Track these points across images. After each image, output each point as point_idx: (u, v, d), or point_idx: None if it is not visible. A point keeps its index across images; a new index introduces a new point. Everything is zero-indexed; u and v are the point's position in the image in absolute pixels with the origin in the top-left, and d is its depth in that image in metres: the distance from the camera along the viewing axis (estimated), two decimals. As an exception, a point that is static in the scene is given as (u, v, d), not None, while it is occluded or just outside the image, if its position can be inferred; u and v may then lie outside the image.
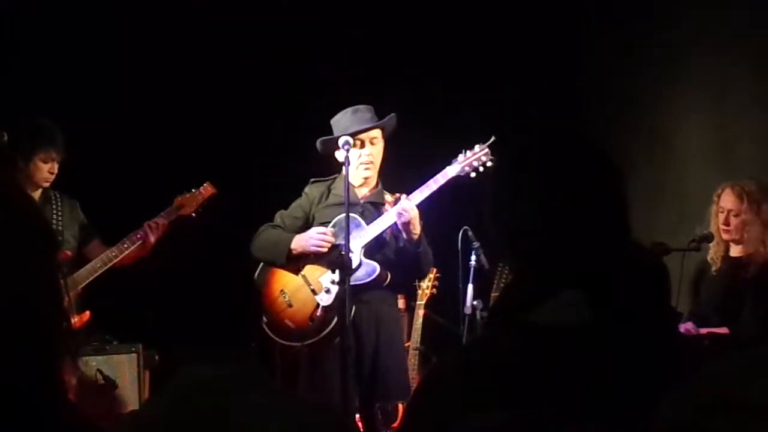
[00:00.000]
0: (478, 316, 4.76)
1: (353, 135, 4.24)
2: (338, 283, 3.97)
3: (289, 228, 4.37)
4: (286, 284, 4.31)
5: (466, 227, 4.72)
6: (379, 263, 4.22)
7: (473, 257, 4.80)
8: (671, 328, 1.48)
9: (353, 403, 4.00)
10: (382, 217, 4.26)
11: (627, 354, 1.31)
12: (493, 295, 4.90)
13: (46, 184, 4.54)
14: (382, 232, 4.26)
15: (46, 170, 4.48)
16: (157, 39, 5.57)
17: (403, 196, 4.25)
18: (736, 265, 4.54)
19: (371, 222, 4.26)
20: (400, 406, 4.38)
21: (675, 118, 5.69)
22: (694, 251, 4.54)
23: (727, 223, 4.49)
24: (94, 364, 4.34)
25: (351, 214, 4.10)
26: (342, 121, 4.32)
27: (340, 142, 4.19)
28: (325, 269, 4.25)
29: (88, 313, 4.45)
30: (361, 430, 4.23)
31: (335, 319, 4.08)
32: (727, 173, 4.94)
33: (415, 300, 5.33)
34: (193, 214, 4.74)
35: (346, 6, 5.97)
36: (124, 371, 4.43)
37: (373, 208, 4.34)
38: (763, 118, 5.07)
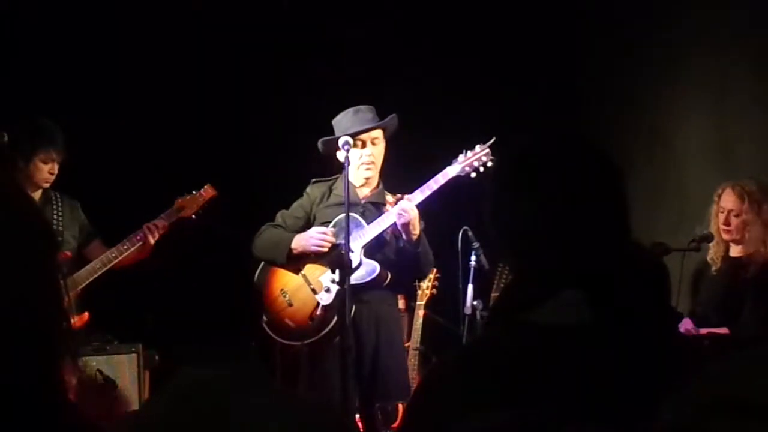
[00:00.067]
0: (478, 317, 4.76)
1: (354, 135, 4.24)
2: (338, 283, 3.97)
3: (291, 228, 4.37)
4: (286, 283, 4.32)
5: (466, 227, 4.72)
6: (379, 263, 4.23)
7: (473, 257, 4.80)
8: (671, 328, 1.48)
9: (353, 403, 4.00)
10: (383, 216, 4.26)
11: (627, 354, 1.31)
12: (493, 295, 4.90)
13: (47, 185, 4.54)
14: (383, 232, 4.26)
15: (47, 171, 4.48)
16: (157, 39, 5.57)
17: (406, 197, 4.25)
18: (736, 265, 4.54)
19: (372, 222, 4.26)
20: (400, 406, 4.38)
21: (675, 118, 5.69)
22: (694, 251, 4.54)
23: (727, 223, 4.49)
24: (94, 364, 4.34)
25: (351, 214, 4.10)
26: (343, 121, 4.33)
27: (340, 142, 4.20)
28: (325, 268, 4.25)
29: (87, 314, 4.45)
30: (361, 430, 4.23)
31: (335, 319, 4.09)
32: (727, 173, 4.94)
33: (415, 300, 5.33)
34: (193, 216, 4.74)
35: (346, 6, 5.97)
36: (124, 371, 4.43)
37: (374, 208, 4.34)
38: (763, 118, 5.06)
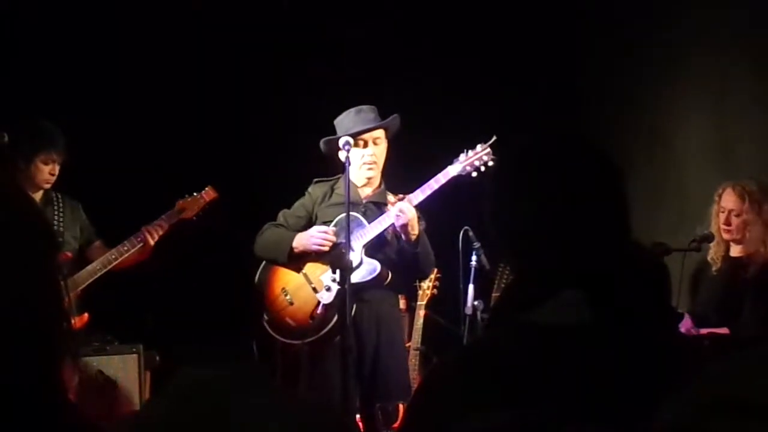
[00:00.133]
0: (478, 317, 4.76)
1: (356, 135, 4.25)
2: (339, 282, 3.98)
3: (292, 227, 4.38)
4: (287, 282, 4.32)
5: (466, 227, 4.71)
6: (380, 262, 4.23)
7: (474, 257, 4.79)
8: (671, 328, 1.48)
9: (354, 403, 4.00)
10: (383, 216, 4.26)
11: (627, 354, 1.31)
12: (494, 295, 4.89)
13: (47, 186, 4.54)
14: (383, 232, 4.26)
15: (47, 172, 4.48)
16: (157, 39, 5.57)
17: (407, 197, 4.25)
18: (736, 265, 4.54)
19: (373, 222, 4.27)
20: (401, 406, 4.38)
21: (675, 118, 5.68)
22: (695, 251, 4.54)
23: (728, 222, 4.49)
24: (94, 364, 4.34)
25: (353, 214, 4.11)
26: (345, 121, 4.33)
27: (341, 142, 4.20)
28: (326, 267, 4.26)
29: (86, 315, 4.45)
30: (362, 430, 4.23)
31: (336, 317, 4.09)
32: (727, 173, 4.94)
33: (416, 300, 5.33)
34: (194, 218, 4.75)
35: (346, 6, 5.97)
36: (125, 372, 4.43)
37: (375, 208, 4.35)
38: (763, 118, 5.06)
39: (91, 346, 4.40)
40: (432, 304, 5.34)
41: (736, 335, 4.28)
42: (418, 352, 5.25)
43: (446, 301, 5.22)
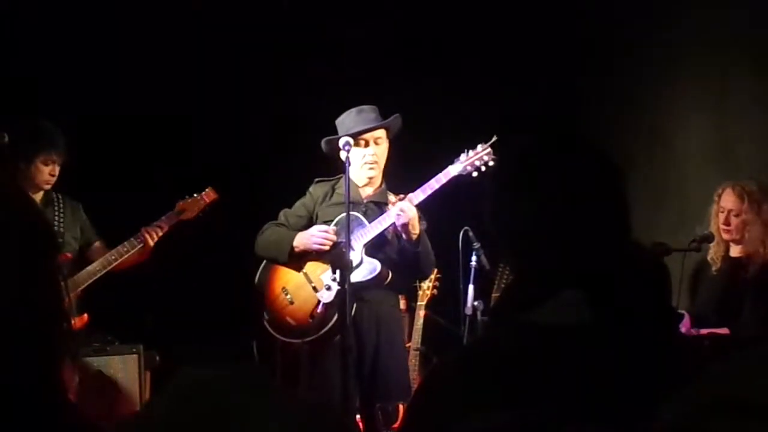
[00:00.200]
0: (478, 317, 4.76)
1: (356, 135, 4.25)
2: (339, 282, 3.98)
3: (293, 226, 4.38)
4: (288, 282, 4.33)
5: (466, 227, 4.71)
6: (381, 262, 4.23)
7: (474, 258, 4.79)
8: (671, 328, 1.47)
9: (354, 403, 4.00)
10: (384, 215, 4.26)
11: (627, 354, 1.31)
12: (494, 295, 4.89)
13: (48, 186, 4.55)
14: (384, 231, 4.26)
15: (47, 172, 4.48)
16: (158, 39, 5.57)
17: (407, 197, 4.25)
18: (736, 265, 4.54)
19: (373, 221, 4.27)
20: (401, 406, 4.38)
21: (675, 118, 5.68)
22: (695, 251, 4.54)
23: (727, 223, 4.49)
24: (94, 364, 4.35)
25: (353, 213, 4.11)
26: (346, 121, 4.33)
27: (341, 142, 4.20)
28: (326, 267, 4.26)
29: (86, 315, 4.46)
30: (362, 430, 4.23)
31: (335, 316, 4.09)
32: (727, 173, 4.94)
33: (416, 301, 5.33)
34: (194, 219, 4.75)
35: (346, 6, 5.96)
36: (125, 372, 4.43)
37: (376, 208, 4.35)
38: (763, 118, 5.06)
39: (91, 346, 4.41)
40: (432, 304, 5.34)
41: (736, 335, 4.28)
42: (418, 352, 5.25)
43: (446, 301, 5.22)
